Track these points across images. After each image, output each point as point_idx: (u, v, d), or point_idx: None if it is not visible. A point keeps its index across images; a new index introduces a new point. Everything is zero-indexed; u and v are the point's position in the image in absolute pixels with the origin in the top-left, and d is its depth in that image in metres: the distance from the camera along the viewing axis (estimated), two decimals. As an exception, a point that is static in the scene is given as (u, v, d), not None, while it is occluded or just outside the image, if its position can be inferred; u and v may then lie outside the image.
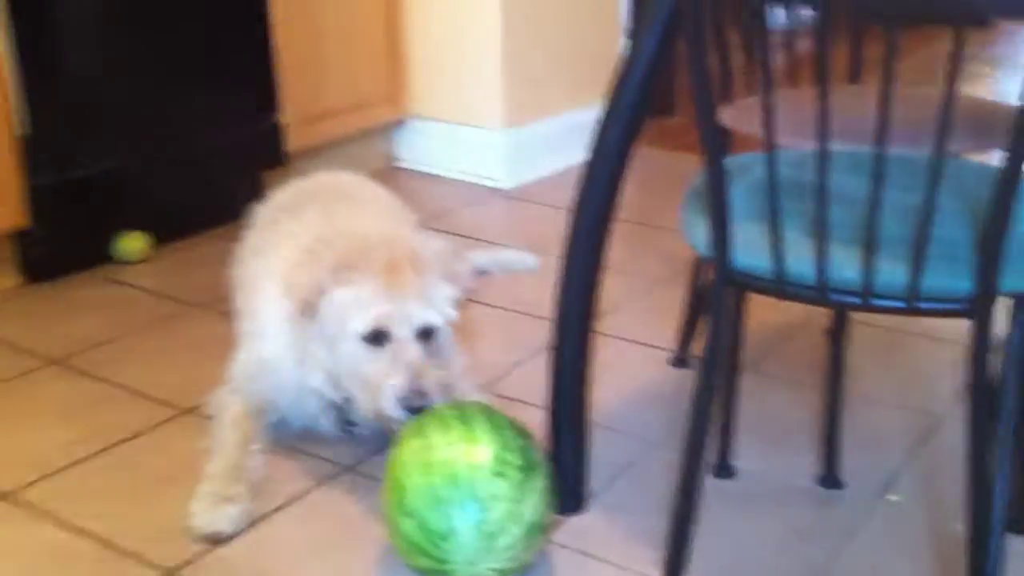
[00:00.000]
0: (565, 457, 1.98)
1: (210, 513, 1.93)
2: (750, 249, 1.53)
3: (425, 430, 1.79)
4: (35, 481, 2.09)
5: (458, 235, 3.25)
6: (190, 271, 3.07)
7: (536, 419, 2.03)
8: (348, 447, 2.20)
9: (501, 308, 2.85)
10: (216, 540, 1.92)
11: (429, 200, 3.61)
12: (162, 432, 2.28)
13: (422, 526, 1.71)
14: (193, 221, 3.30)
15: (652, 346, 2.63)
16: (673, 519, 1.65)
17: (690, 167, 3.31)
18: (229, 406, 2.19)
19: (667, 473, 2.10)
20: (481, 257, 3.04)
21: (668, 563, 1.66)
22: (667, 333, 2.64)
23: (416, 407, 1.91)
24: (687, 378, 2.47)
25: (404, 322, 1.99)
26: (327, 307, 2.01)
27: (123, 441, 2.24)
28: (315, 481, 2.11)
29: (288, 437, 2.23)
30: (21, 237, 2.92)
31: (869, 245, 1.42)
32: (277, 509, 2.02)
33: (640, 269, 3.07)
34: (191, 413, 2.33)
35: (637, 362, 2.57)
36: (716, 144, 1.47)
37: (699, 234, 1.61)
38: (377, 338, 1.98)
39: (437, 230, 3.16)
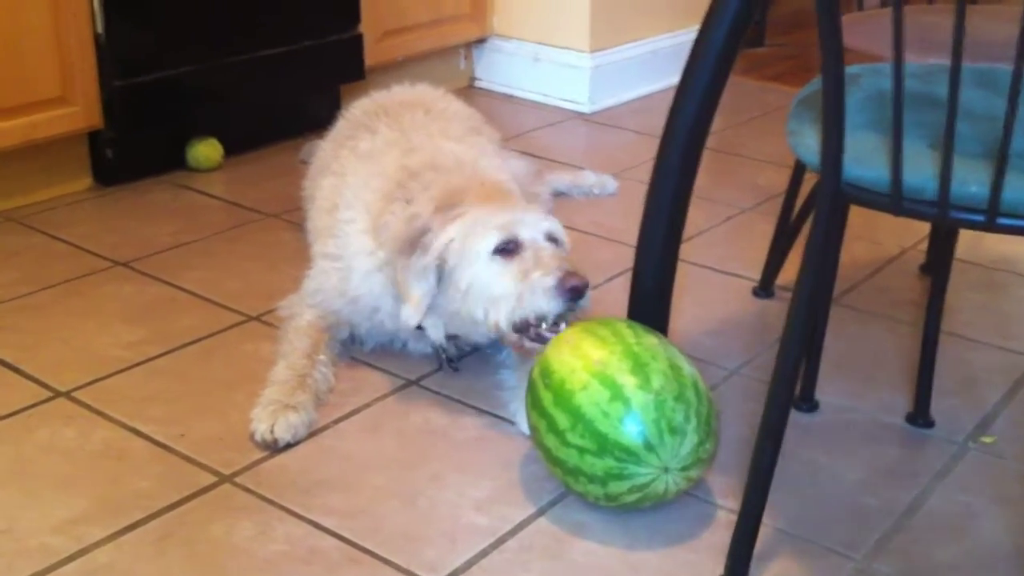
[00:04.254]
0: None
1: (272, 420, 1.86)
2: (865, 160, 1.40)
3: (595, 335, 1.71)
4: (94, 381, 2.05)
5: (537, 157, 3.15)
6: (262, 181, 3.00)
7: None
8: (416, 362, 2.13)
9: (579, 231, 2.74)
10: (276, 448, 1.85)
11: (508, 121, 3.50)
12: (226, 337, 2.22)
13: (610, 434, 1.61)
14: (268, 131, 3.23)
15: (734, 275, 2.52)
16: (756, 454, 1.55)
17: (777, 98, 3.22)
18: (302, 315, 2.12)
19: (745, 403, 2.00)
20: (560, 179, 2.94)
21: (748, 498, 1.56)
22: (750, 262, 2.52)
23: (576, 290, 1.83)
24: (770, 308, 2.37)
25: (532, 227, 1.92)
26: (438, 245, 1.92)
27: (186, 345, 2.18)
28: (380, 393, 2.04)
29: (358, 352, 2.16)
30: (95, 138, 2.88)
31: (1002, 157, 1.29)
32: (340, 420, 1.95)
33: (723, 197, 2.94)
34: (257, 320, 2.27)
35: (718, 290, 2.46)
36: (836, 43, 1.33)
37: (808, 143, 1.48)
38: (509, 249, 1.90)
39: (516, 151, 3.07)
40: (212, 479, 1.79)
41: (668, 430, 1.61)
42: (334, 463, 1.84)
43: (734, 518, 1.62)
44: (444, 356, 2.08)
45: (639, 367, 1.64)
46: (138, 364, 2.11)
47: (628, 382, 1.62)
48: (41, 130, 2.71)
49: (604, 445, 1.61)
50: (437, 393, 2.04)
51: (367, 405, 2.00)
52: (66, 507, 1.71)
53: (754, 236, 2.67)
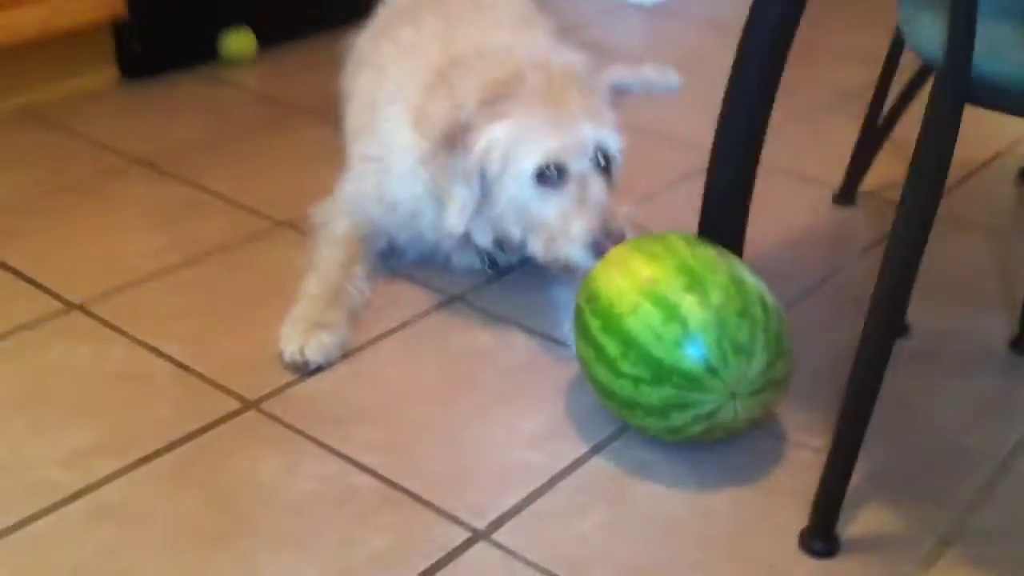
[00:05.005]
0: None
1: (302, 340, 1.69)
2: (1004, 53, 1.17)
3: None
4: (110, 292, 1.88)
5: (594, 50, 2.90)
6: (298, 75, 2.79)
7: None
8: (461, 278, 1.94)
9: (640, 131, 2.51)
10: (307, 371, 1.68)
11: (562, 11, 3.23)
12: (255, 245, 2.04)
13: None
14: (304, 22, 3.01)
15: (812, 180, 2.29)
16: (851, 392, 1.34)
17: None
18: (336, 223, 1.93)
19: (826, 324, 1.80)
20: (620, 74, 2.69)
21: (839, 444, 1.36)
22: (830, 167, 2.29)
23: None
24: (852, 218, 2.15)
25: (581, 152, 1.69)
26: (481, 147, 1.70)
27: (210, 253, 2.00)
28: (421, 310, 1.85)
29: (396, 264, 1.97)
30: (119, 30, 2.67)
31: None
32: (376, 339, 1.78)
33: (799, 93, 2.69)
34: (288, 226, 2.09)
35: (795, 197, 2.24)
36: None
37: (928, 32, 1.25)
38: (551, 175, 1.68)
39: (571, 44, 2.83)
40: (236, 405, 1.62)
41: (732, 350, 1.41)
42: (370, 390, 1.66)
43: (815, 458, 1.44)
44: (488, 260, 1.89)
45: (696, 283, 1.44)
46: (159, 275, 1.94)
47: (684, 300, 1.42)
48: (60, 19, 2.51)
49: (661, 372, 1.42)
50: (483, 311, 1.85)
51: (406, 324, 1.82)
52: (76, 436, 1.55)
53: (833, 137, 2.43)
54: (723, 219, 1.67)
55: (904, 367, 1.70)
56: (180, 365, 1.70)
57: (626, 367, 1.44)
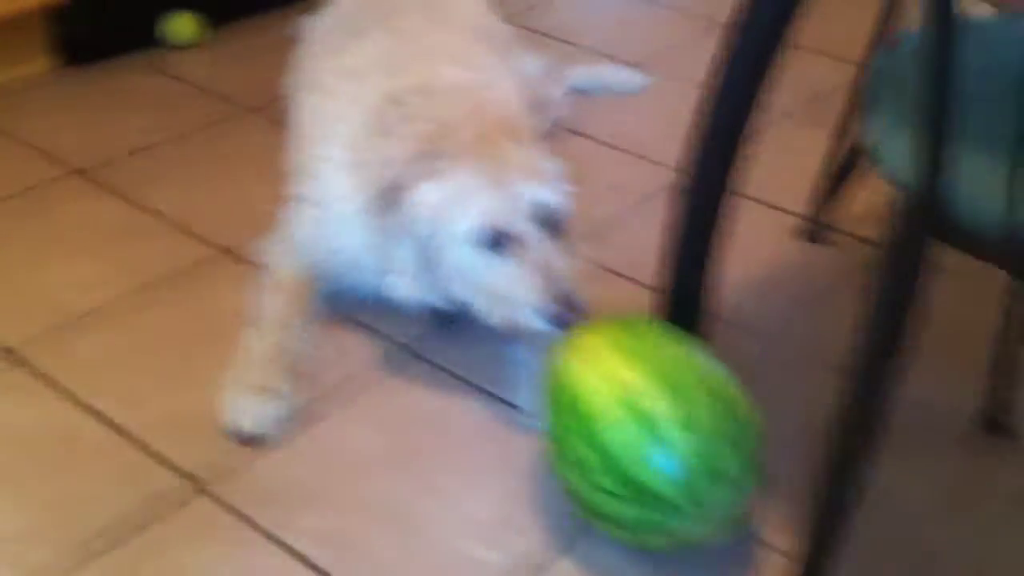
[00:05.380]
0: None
1: (245, 410, 1.61)
2: (984, 189, 1.09)
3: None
4: (38, 335, 1.77)
5: (548, 37, 2.79)
6: (246, 63, 2.66)
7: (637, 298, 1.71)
8: (408, 320, 1.83)
9: (599, 142, 2.42)
10: (248, 441, 1.60)
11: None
12: (195, 278, 1.94)
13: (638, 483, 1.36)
14: (251, 2, 2.87)
15: (773, 207, 2.20)
16: (822, 498, 1.28)
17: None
18: (279, 264, 1.84)
19: (795, 386, 1.73)
20: (578, 76, 2.59)
21: (811, 552, 1.30)
22: (793, 189, 2.18)
23: (567, 321, 1.52)
24: (818, 259, 2.07)
25: (520, 213, 1.57)
26: (415, 206, 1.59)
27: (148, 287, 1.90)
28: (366, 363, 1.77)
29: (341, 305, 1.86)
30: (57, 16, 2.52)
31: None
32: (320, 400, 1.69)
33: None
34: (230, 256, 1.99)
35: (753, 227, 2.13)
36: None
37: (894, 150, 1.16)
38: (492, 239, 1.57)
39: (525, 29, 2.72)
40: (177, 483, 1.53)
41: (714, 476, 1.35)
42: (315, 464, 1.58)
43: (786, 565, 1.37)
44: (437, 316, 1.80)
45: (679, 398, 1.36)
46: (91, 314, 1.83)
47: (667, 417, 1.35)
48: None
49: (640, 494, 1.35)
50: (432, 363, 1.77)
51: (352, 380, 1.73)
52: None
53: (799, 150, 2.32)
54: (691, 260, 1.58)
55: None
56: (113, 426, 1.61)
57: (605, 482, 1.37)
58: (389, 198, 1.60)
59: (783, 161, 2.29)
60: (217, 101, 2.50)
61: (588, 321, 1.51)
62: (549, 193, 1.60)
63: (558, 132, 2.39)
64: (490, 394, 1.72)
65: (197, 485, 1.53)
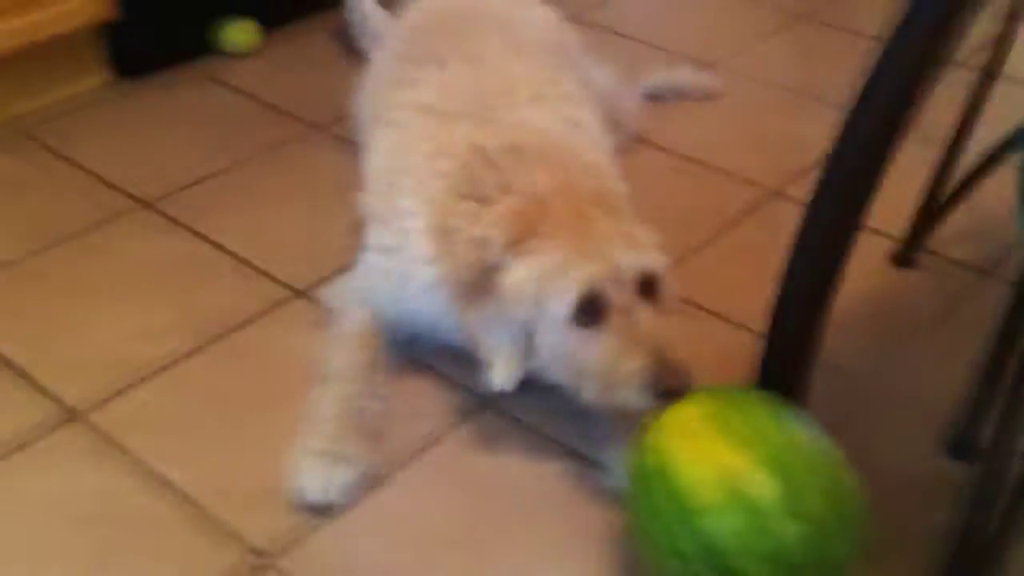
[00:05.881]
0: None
1: (319, 478, 1.53)
2: None
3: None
4: (110, 397, 1.72)
5: (614, 34, 2.68)
6: (303, 71, 2.60)
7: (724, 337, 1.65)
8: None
9: (675, 155, 2.32)
10: (320, 510, 1.53)
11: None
12: (268, 322, 1.86)
13: None
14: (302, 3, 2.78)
15: (872, 229, 2.08)
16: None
17: None
18: (351, 315, 1.76)
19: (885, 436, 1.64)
20: (651, 81, 2.48)
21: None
22: (887, 207, 2.05)
23: (674, 390, 1.43)
24: (914, 286, 1.96)
25: (618, 281, 1.49)
26: (509, 287, 1.51)
27: (218, 335, 1.83)
28: (443, 422, 1.69)
29: (417, 352, 1.79)
30: (109, 29, 2.45)
31: None
32: (395, 467, 1.61)
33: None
34: (301, 297, 1.92)
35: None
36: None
37: None
38: (591, 312, 1.48)
39: (588, 25, 2.61)
40: (249, 559, 1.47)
41: (821, 566, 1.26)
42: (390, 540, 1.51)
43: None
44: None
45: (789, 486, 1.27)
46: (162, 370, 1.77)
47: (774, 508, 1.26)
48: (46, 28, 2.29)
49: None
50: (513, 419, 1.69)
51: (428, 445, 1.65)
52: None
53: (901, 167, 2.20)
54: (805, 306, 1.46)
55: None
56: (180, 496, 1.56)
57: (704, 573, 1.29)
58: (483, 283, 1.52)
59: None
60: (278, 117, 2.42)
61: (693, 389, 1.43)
62: (646, 259, 1.51)
63: (633, 146, 2.30)
64: (571, 452, 1.64)
65: (262, 559, 1.47)
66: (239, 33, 2.60)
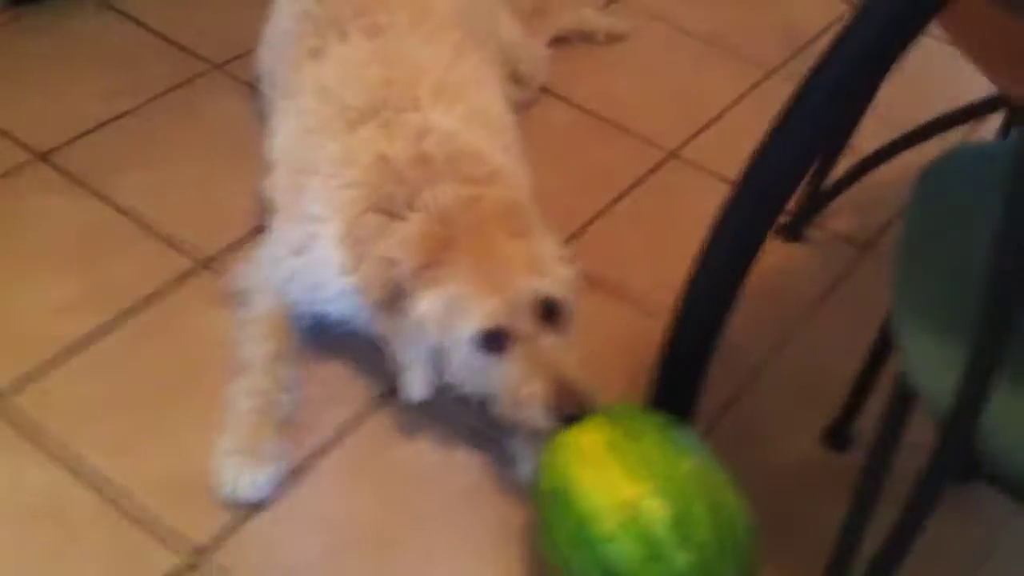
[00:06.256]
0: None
1: (236, 477, 1.60)
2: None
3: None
4: (23, 378, 1.74)
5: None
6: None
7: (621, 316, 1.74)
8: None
9: (583, 110, 2.35)
10: (248, 507, 1.61)
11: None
12: (178, 295, 1.89)
13: None
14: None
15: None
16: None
17: None
18: (260, 297, 1.80)
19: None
20: (558, 25, 2.48)
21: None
22: None
23: (572, 415, 1.52)
24: (799, 258, 2.06)
25: (522, 311, 1.56)
26: (419, 314, 1.57)
27: (127, 311, 1.85)
28: (356, 410, 1.76)
29: (325, 338, 1.83)
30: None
31: None
32: (311, 458, 1.68)
33: (748, 49, 2.53)
34: (208, 268, 1.94)
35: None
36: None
37: (924, 359, 1.12)
38: (495, 339, 1.56)
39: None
40: (174, 560, 1.54)
41: None
42: (306, 535, 1.59)
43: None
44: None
45: (680, 516, 1.38)
46: (74, 348, 1.79)
47: (667, 537, 1.37)
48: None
49: None
50: (425, 409, 1.73)
51: (342, 434, 1.72)
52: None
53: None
54: (702, 343, 1.55)
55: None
56: (105, 486, 1.61)
57: None
58: (395, 301, 1.58)
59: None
60: (180, 54, 2.38)
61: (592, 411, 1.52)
62: (548, 285, 1.58)
63: (540, 99, 2.33)
64: (486, 444, 1.72)
65: (195, 557, 1.55)
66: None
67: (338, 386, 1.79)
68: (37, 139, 2.13)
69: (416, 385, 1.63)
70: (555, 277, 1.60)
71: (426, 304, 1.56)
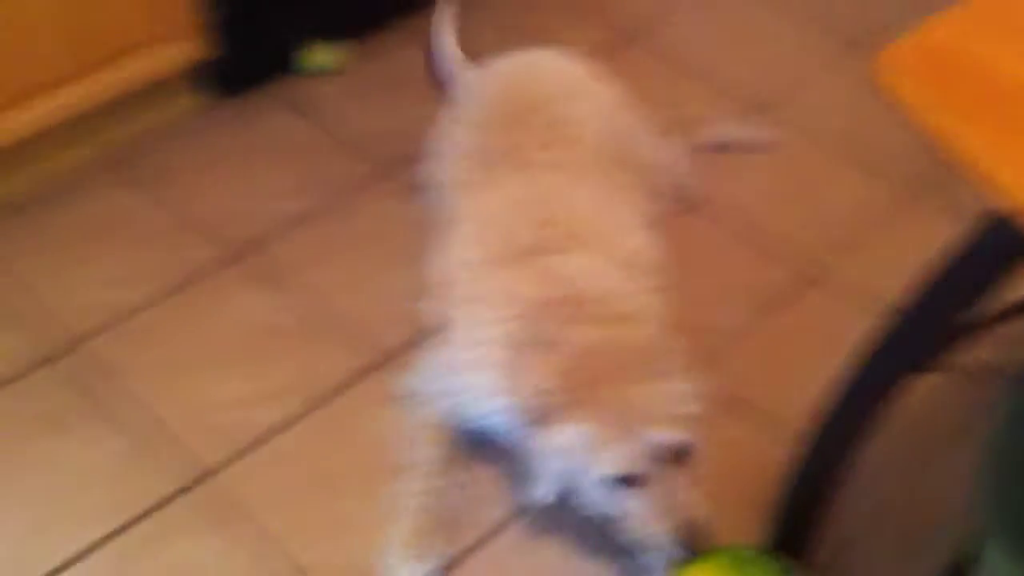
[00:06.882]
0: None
1: (405, 570, 1.85)
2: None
3: None
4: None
5: (663, 62, 2.82)
6: (383, 97, 2.76)
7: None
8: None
9: (718, 225, 2.51)
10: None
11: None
12: (357, 393, 2.13)
13: None
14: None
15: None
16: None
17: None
18: (428, 403, 2.04)
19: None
20: (703, 136, 2.65)
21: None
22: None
23: (691, 552, 1.74)
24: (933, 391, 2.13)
25: (651, 458, 1.76)
26: (558, 443, 1.79)
27: (318, 398, 2.11)
28: (510, 509, 1.97)
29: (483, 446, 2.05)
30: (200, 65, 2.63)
31: None
32: (465, 553, 1.91)
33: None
34: (383, 366, 2.18)
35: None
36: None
37: None
38: (627, 480, 1.77)
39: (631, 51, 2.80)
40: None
41: None
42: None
43: None
44: None
45: None
46: (270, 435, 2.05)
47: None
48: (139, 77, 2.47)
49: None
50: (568, 520, 1.92)
51: (494, 533, 1.94)
52: None
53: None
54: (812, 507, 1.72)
55: None
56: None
57: None
58: (539, 421, 1.80)
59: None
60: (360, 159, 2.61)
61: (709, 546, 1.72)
62: (671, 436, 1.77)
63: (682, 209, 2.50)
64: (616, 558, 1.90)
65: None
66: (321, 56, 2.77)
67: (491, 489, 2.01)
68: (225, 235, 2.41)
69: (540, 492, 1.84)
70: (683, 421, 1.79)
71: (565, 439, 1.77)
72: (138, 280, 2.30)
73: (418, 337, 2.18)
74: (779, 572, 1.67)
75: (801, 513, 1.76)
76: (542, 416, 1.80)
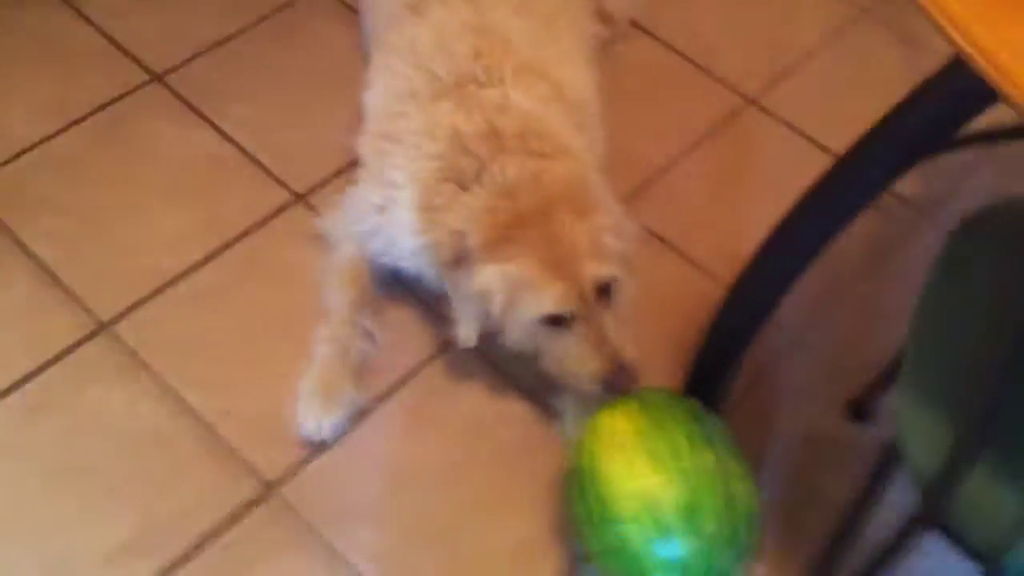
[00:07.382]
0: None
1: (318, 417, 1.83)
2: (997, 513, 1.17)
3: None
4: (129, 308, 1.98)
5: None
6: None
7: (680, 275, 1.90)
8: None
9: (668, 47, 2.41)
10: (317, 445, 1.84)
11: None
12: (274, 230, 2.09)
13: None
14: None
15: (811, 139, 2.24)
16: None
17: None
18: (343, 245, 2.00)
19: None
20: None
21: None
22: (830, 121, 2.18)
23: (619, 386, 1.73)
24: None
25: (583, 295, 1.72)
26: (482, 285, 1.73)
27: (231, 241, 2.06)
28: (421, 357, 1.96)
29: (399, 288, 2.02)
30: None
31: None
32: (379, 400, 1.90)
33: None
34: (303, 203, 2.13)
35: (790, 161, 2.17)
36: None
37: (917, 433, 1.23)
38: (555, 319, 1.73)
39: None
40: (257, 489, 1.79)
41: (708, 569, 1.59)
42: (369, 473, 1.83)
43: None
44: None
45: (692, 509, 1.57)
46: (177, 282, 2.01)
47: (677, 525, 1.57)
48: None
49: (643, 571, 1.61)
50: (484, 359, 1.93)
51: (407, 379, 1.93)
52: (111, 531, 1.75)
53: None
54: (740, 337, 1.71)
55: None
56: (201, 422, 1.85)
57: (612, 564, 1.62)
58: (460, 265, 1.75)
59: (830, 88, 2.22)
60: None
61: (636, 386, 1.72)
62: (608, 269, 1.73)
63: (628, 33, 2.41)
64: (533, 396, 1.91)
65: (267, 487, 1.79)
66: None
67: (407, 333, 1.99)
68: (150, 59, 2.31)
69: (464, 333, 1.81)
70: (615, 256, 1.75)
71: (489, 277, 1.72)
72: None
73: (347, 170, 2.12)
74: (689, 417, 1.66)
75: (720, 358, 1.74)
76: (461, 258, 1.75)
